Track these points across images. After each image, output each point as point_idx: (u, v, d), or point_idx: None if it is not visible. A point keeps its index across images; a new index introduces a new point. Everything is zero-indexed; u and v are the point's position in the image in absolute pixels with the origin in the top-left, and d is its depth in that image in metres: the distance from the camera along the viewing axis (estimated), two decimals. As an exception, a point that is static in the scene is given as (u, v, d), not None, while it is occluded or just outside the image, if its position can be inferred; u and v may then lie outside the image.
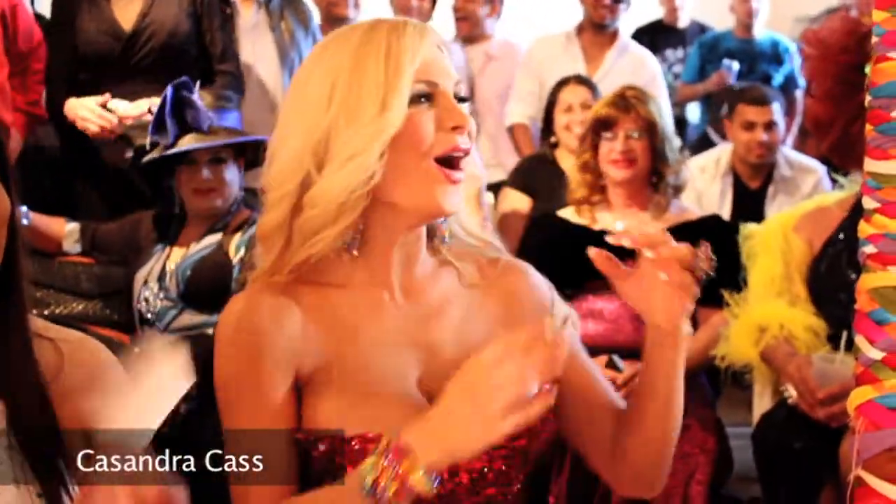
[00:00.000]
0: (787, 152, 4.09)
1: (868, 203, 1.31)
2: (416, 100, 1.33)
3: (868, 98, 1.30)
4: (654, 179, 2.94)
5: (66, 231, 2.88)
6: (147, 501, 1.05)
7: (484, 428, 1.15)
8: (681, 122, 5.09)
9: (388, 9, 4.50)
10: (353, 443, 1.30)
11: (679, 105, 5.18)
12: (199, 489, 2.44)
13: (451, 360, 1.34)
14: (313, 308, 1.36)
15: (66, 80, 3.23)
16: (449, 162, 1.34)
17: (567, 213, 3.04)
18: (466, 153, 1.35)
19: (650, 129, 2.90)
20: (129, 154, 2.91)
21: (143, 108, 3.05)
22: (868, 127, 1.30)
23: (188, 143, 2.74)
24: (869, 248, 1.31)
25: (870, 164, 1.30)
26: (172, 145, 2.73)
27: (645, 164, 2.90)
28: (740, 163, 3.95)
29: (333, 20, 4.17)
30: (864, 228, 1.32)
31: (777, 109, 3.91)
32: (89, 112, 3.09)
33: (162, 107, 2.76)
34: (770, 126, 3.88)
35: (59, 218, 2.92)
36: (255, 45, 3.53)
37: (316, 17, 4.07)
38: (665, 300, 1.33)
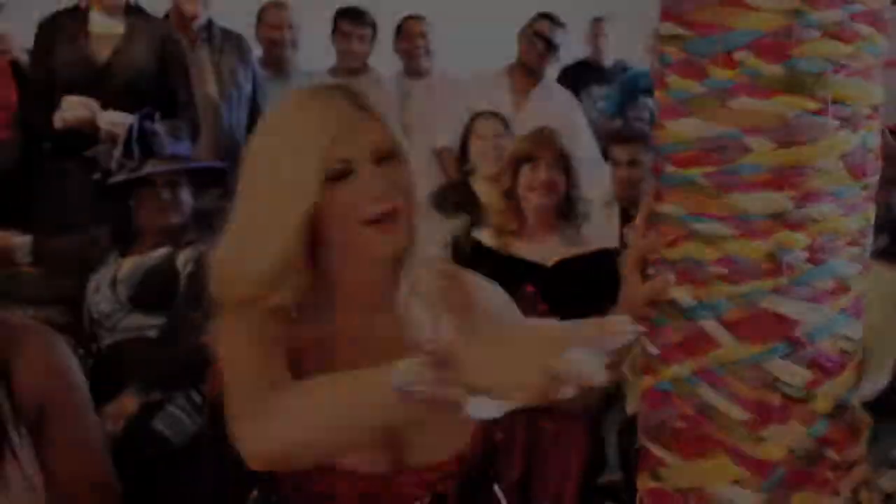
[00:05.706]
0: None
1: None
2: (334, 177, 1.37)
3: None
4: (566, 208, 3.31)
5: (17, 243, 3.12)
6: None
7: (534, 374, 1.07)
8: (605, 154, 5.36)
9: (327, 44, 4.71)
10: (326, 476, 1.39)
11: (602, 139, 5.48)
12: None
13: None
14: (295, 338, 1.40)
15: (44, 105, 3.49)
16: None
17: (481, 236, 3.35)
18: (395, 210, 1.38)
19: (567, 163, 3.31)
20: (97, 176, 3.20)
21: (122, 119, 3.30)
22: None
23: (151, 167, 3.05)
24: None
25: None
26: (136, 168, 3.05)
27: (562, 193, 3.29)
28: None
29: (273, 59, 4.44)
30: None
31: (643, 148, 3.91)
32: (72, 103, 3.36)
33: (130, 134, 3.11)
34: (634, 164, 3.96)
35: (5, 233, 3.15)
36: (196, 79, 3.77)
37: (257, 51, 4.31)
38: None
